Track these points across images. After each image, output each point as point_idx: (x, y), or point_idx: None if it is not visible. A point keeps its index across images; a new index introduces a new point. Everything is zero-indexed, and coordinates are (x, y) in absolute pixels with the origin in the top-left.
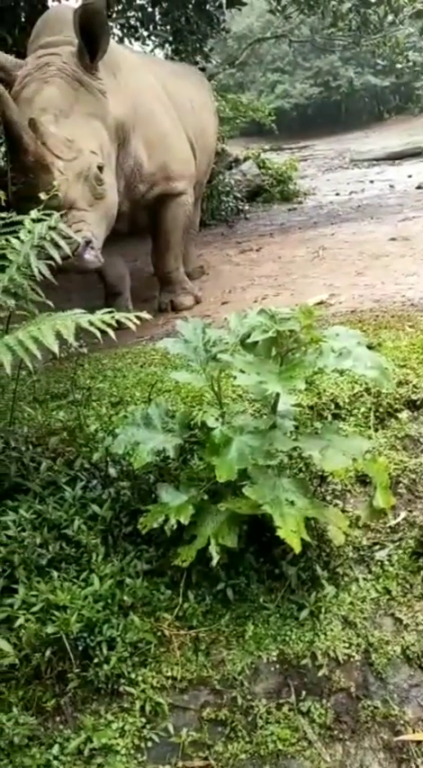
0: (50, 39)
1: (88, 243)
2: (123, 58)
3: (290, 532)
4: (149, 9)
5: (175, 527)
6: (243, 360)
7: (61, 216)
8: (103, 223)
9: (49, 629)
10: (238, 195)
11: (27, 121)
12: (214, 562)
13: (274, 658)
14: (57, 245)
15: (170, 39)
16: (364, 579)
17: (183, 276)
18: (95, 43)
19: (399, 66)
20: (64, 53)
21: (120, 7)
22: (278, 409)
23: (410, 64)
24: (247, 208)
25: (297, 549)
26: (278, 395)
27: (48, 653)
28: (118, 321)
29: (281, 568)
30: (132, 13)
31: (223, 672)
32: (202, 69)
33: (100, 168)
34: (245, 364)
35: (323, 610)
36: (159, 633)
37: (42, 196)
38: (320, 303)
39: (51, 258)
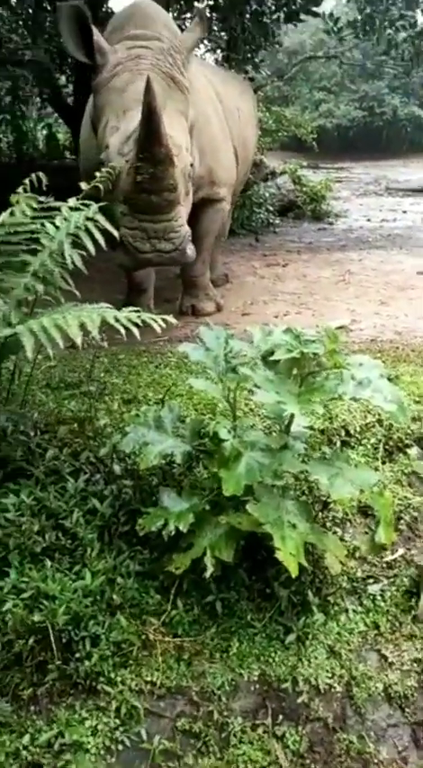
0: (138, 32)
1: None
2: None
3: (288, 555)
4: (207, 14)
5: (173, 533)
6: (264, 376)
7: (166, 209)
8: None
9: (36, 618)
10: (271, 208)
11: (121, 110)
12: (207, 574)
13: (255, 678)
14: (159, 238)
15: (223, 45)
16: (355, 611)
17: (207, 282)
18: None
19: None
20: (155, 47)
21: (177, 9)
22: (291, 430)
23: None
24: (277, 222)
25: (294, 572)
26: (293, 416)
27: (31, 641)
28: (143, 320)
29: (272, 589)
30: (189, 16)
31: (203, 684)
32: (251, 79)
33: (191, 165)
34: (265, 381)
35: (310, 636)
36: (144, 637)
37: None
38: (341, 327)
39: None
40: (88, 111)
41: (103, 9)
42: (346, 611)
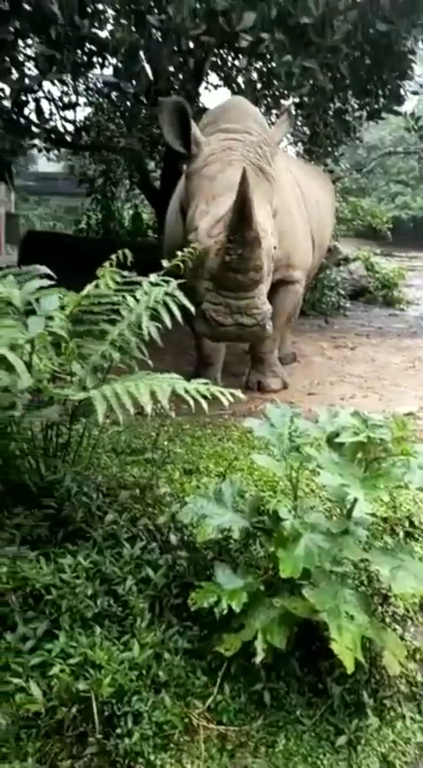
0: (230, 125)
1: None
2: None
3: (345, 649)
4: (293, 110)
5: (225, 611)
6: (328, 458)
7: (251, 287)
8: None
9: (81, 686)
10: (342, 292)
11: (211, 196)
12: (258, 659)
13: None
14: (241, 313)
15: (305, 139)
16: (412, 719)
17: (275, 359)
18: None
19: None
20: (245, 140)
21: (264, 105)
22: (353, 515)
23: None
24: (348, 305)
25: (350, 668)
26: (356, 500)
27: (74, 710)
28: (211, 393)
29: (325, 684)
30: (275, 112)
31: None
32: (330, 171)
33: (274, 248)
34: (330, 463)
35: (362, 741)
36: (187, 720)
37: None
38: (409, 414)
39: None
40: (177, 195)
41: (196, 104)
42: (403, 717)
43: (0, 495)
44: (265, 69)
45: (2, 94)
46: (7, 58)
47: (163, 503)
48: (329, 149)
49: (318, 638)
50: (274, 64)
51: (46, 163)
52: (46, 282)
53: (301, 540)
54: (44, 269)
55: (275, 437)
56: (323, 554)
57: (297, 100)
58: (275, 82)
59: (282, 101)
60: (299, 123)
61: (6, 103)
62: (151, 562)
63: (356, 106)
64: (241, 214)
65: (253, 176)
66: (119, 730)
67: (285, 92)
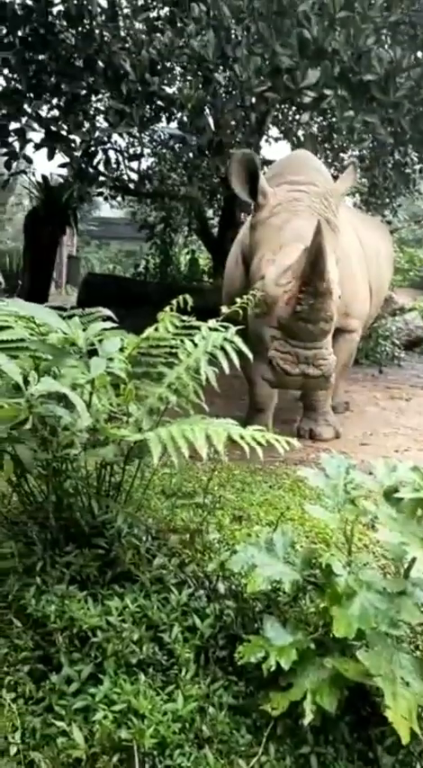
0: (295, 177)
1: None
2: None
3: (400, 718)
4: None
5: (273, 668)
6: (388, 513)
7: (320, 337)
8: None
9: (123, 734)
10: (397, 342)
11: (278, 245)
12: (306, 721)
13: None
14: (308, 363)
15: (363, 190)
16: None
17: (328, 408)
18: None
19: None
20: (311, 192)
21: (324, 158)
22: (411, 575)
23: None
24: (402, 355)
25: (405, 738)
26: (414, 560)
27: (115, 759)
28: (267, 440)
29: (375, 753)
30: (336, 164)
31: None
32: (388, 222)
33: (338, 297)
34: (389, 519)
35: None
36: None
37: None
38: None
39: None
40: (239, 243)
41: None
42: None
43: (53, 532)
44: (326, 123)
45: (73, 145)
46: (80, 112)
47: (212, 549)
48: (388, 200)
49: (369, 704)
50: (335, 119)
51: (108, 209)
52: (108, 324)
53: (356, 598)
54: (107, 311)
55: (330, 488)
56: (380, 615)
57: (357, 152)
58: (336, 136)
59: (341, 154)
60: (358, 175)
61: (77, 154)
62: (198, 610)
63: (416, 159)
64: (315, 266)
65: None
66: None
67: (345, 145)
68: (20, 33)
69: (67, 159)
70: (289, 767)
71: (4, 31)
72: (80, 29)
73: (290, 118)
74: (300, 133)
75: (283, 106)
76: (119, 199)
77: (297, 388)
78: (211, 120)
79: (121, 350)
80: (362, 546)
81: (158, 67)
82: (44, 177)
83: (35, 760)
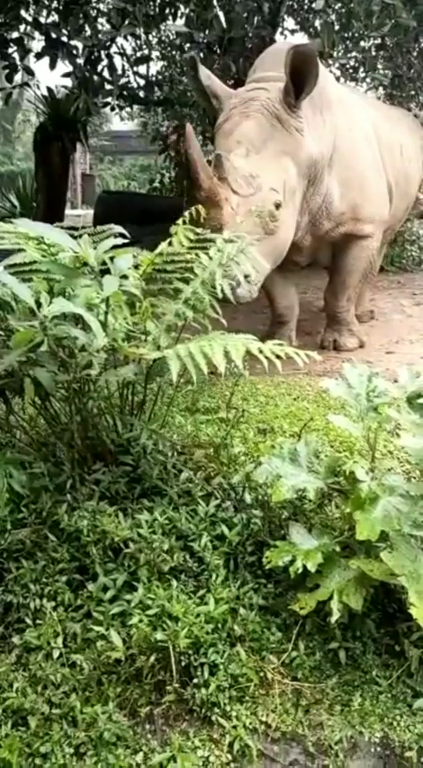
0: (263, 74)
1: (246, 277)
2: (337, 98)
3: None
4: (373, 53)
5: (300, 571)
6: (410, 419)
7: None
8: (269, 258)
9: (159, 636)
10: None
11: (222, 153)
12: (333, 619)
13: (377, 740)
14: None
15: (386, 83)
16: None
17: (352, 317)
18: (303, 84)
19: None
20: (272, 89)
21: (342, 48)
22: None
23: None
24: None
25: None
26: None
27: (152, 659)
28: (286, 353)
29: (402, 646)
30: (355, 54)
31: (320, 736)
32: (416, 116)
33: (277, 206)
34: (412, 424)
35: None
36: (262, 674)
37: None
38: None
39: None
40: None
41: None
42: None
43: (80, 451)
44: (343, 10)
45: (75, 52)
46: (80, 15)
47: (237, 462)
48: (413, 93)
49: (395, 601)
50: (353, 4)
51: (119, 121)
52: (120, 241)
53: (378, 502)
54: (119, 228)
55: (352, 397)
56: (402, 517)
57: (378, 41)
58: (354, 23)
59: (361, 42)
60: (379, 66)
61: (79, 61)
62: (226, 520)
63: None
64: (192, 174)
65: (266, 127)
66: (195, 680)
67: (365, 33)
68: None
69: (70, 68)
70: (318, 661)
71: None
72: None
73: (305, 6)
74: (317, 23)
75: None
76: (128, 110)
77: None
78: (220, 14)
79: (136, 267)
80: (386, 452)
81: None
82: (50, 90)
83: (77, 662)
